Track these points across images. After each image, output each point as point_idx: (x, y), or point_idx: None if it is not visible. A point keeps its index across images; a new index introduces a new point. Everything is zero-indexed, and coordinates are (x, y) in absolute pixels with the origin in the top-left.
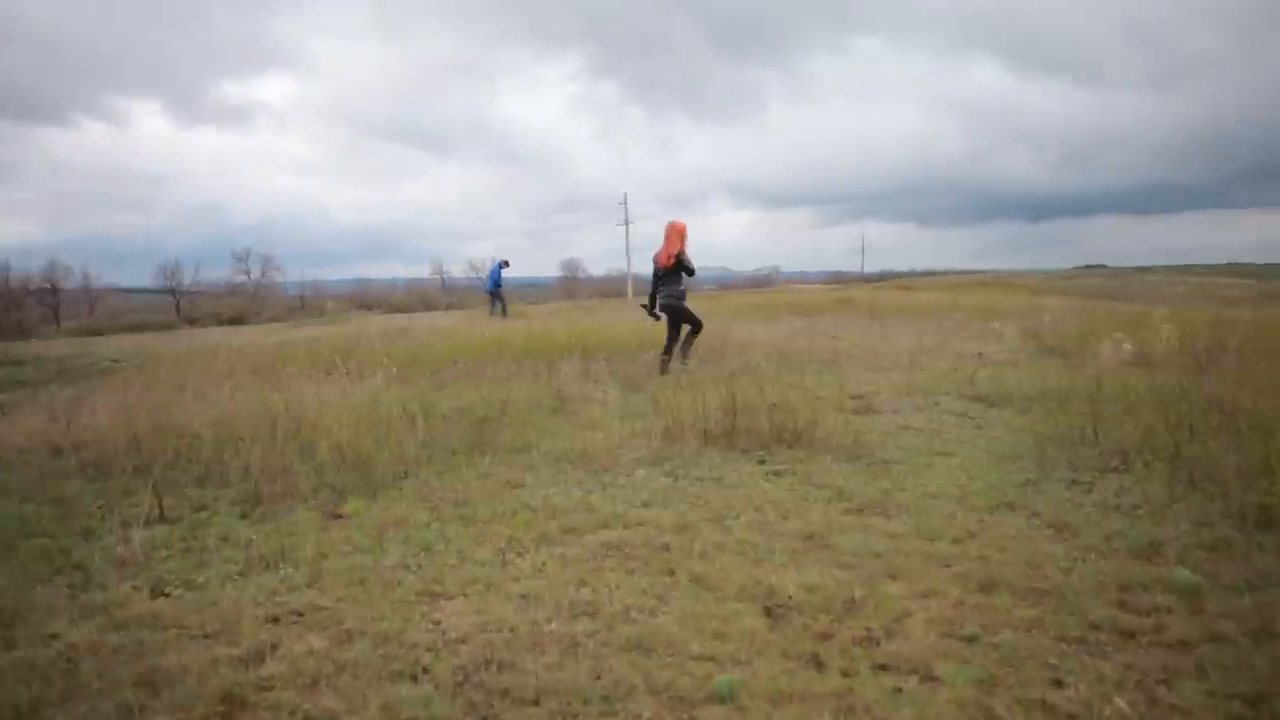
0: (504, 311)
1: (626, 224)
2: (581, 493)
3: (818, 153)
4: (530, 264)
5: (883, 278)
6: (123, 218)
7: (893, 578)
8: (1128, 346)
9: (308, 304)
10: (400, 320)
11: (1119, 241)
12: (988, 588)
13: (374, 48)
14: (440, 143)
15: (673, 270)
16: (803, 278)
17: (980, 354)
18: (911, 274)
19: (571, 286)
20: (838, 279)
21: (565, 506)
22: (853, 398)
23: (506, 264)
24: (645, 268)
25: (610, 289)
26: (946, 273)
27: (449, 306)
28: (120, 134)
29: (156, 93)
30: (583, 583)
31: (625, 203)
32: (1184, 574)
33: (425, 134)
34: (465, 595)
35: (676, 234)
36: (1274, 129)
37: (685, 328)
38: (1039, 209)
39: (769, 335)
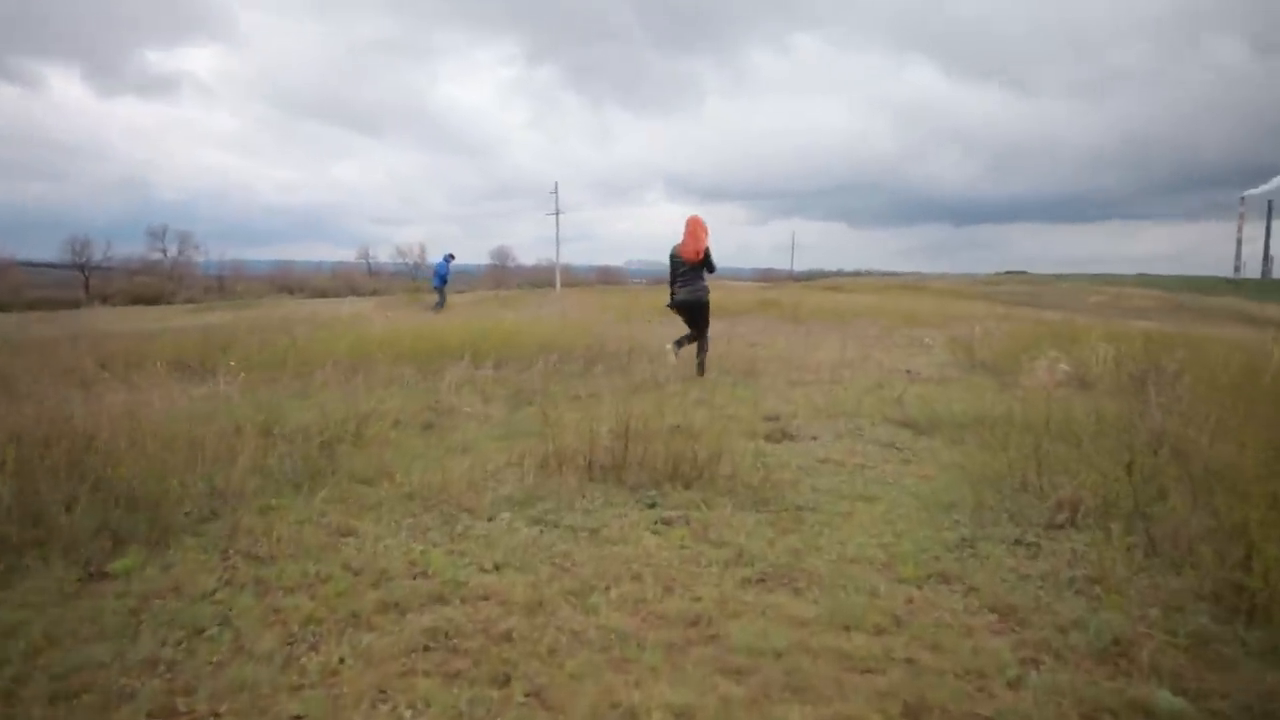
0: (441, 304)
1: (557, 213)
2: (423, 547)
3: (753, 148)
4: (461, 251)
5: (811, 276)
6: (32, 186)
7: (795, 693)
8: (1064, 367)
9: (227, 285)
10: (312, 306)
11: (1038, 248)
12: (915, 713)
13: (307, 23)
14: (372, 124)
15: (698, 265)
16: (733, 274)
17: (909, 371)
18: (839, 274)
19: (501, 275)
20: (767, 276)
21: (395, 569)
22: (767, 419)
23: (452, 257)
24: (575, 258)
25: (541, 278)
26: (872, 273)
27: (374, 292)
28: (33, 98)
29: (75, 58)
30: (382, 695)
31: (556, 192)
32: (1167, 699)
33: (357, 114)
34: (215, 717)
35: (701, 228)
36: (1183, 145)
37: (692, 333)
38: (964, 213)
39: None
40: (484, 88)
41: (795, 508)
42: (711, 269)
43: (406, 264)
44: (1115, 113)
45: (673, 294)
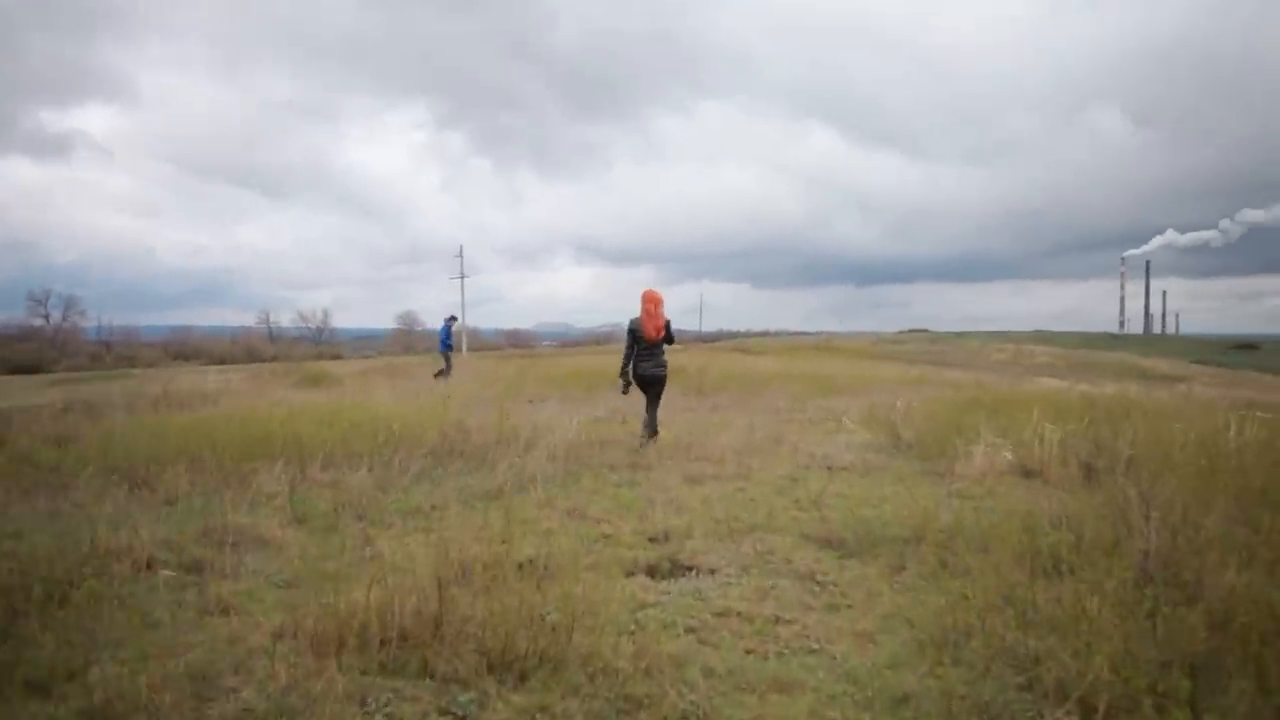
0: (447, 370)
1: (462, 277)
2: None
3: (662, 212)
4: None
5: (719, 337)
6: None
7: None
8: (1007, 455)
9: (116, 352)
10: (186, 377)
11: (938, 306)
12: None
13: (209, 83)
14: (278, 186)
15: (659, 341)
16: None
17: (829, 466)
18: (748, 334)
19: (408, 340)
20: (677, 338)
21: None
22: (653, 540)
23: (454, 319)
24: (478, 321)
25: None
26: (781, 334)
27: (274, 358)
28: None
29: None
30: None
31: (461, 255)
32: None
33: (263, 176)
34: None
35: (657, 303)
36: (1068, 209)
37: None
38: (868, 274)
39: (572, 419)
40: (394, 151)
41: (680, 716)
42: (670, 341)
43: (309, 329)
44: (1006, 179)
45: (634, 368)
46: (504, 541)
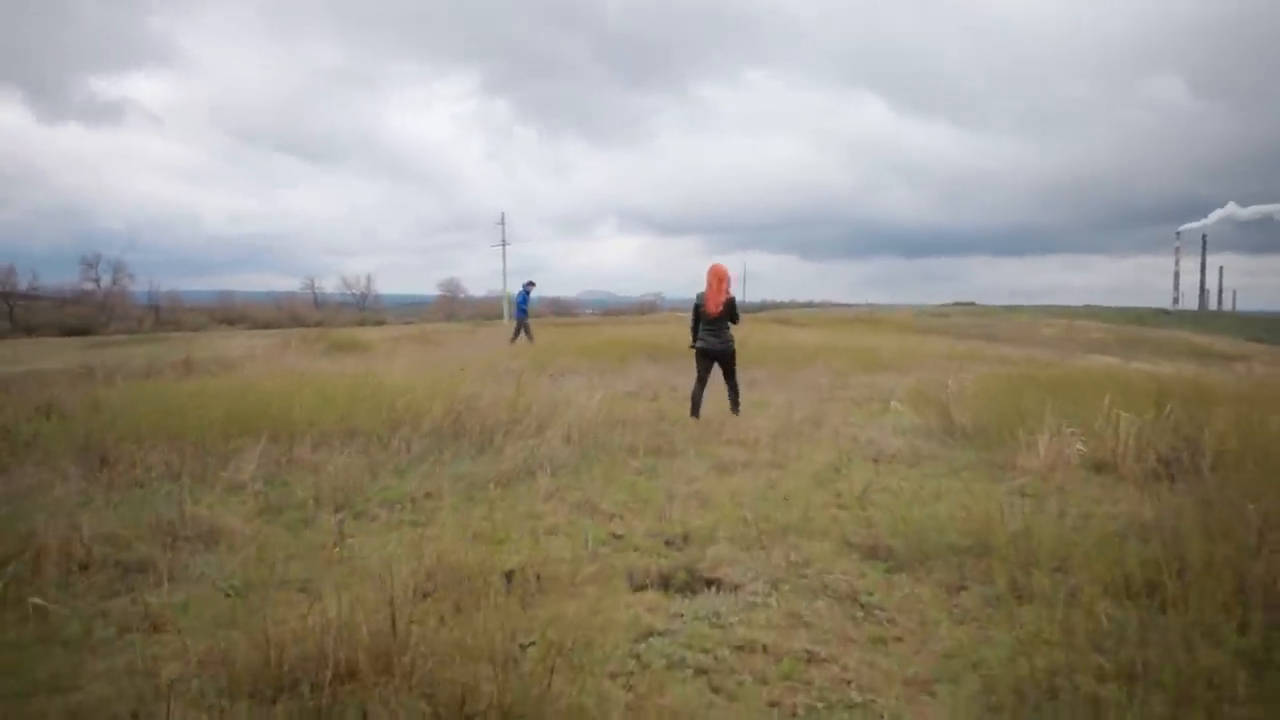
0: (528, 336)
1: (504, 245)
2: None
3: (708, 182)
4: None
5: (763, 307)
6: None
7: None
8: (1080, 446)
9: (163, 316)
10: (220, 342)
11: (987, 280)
12: None
13: (258, 51)
14: (325, 154)
15: (722, 316)
16: (688, 304)
17: (875, 455)
18: (792, 304)
19: (450, 307)
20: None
21: None
22: (668, 545)
23: (532, 284)
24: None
25: (491, 310)
26: (826, 305)
27: (319, 323)
28: None
29: (15, 83)
30: None
31: (503, 223)
32: None
33: (310, 143)
34: None
35: (724, 279)
36: (1124, 181)
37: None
38: (915, 246)
39: (601, 392)
40: (440, 119)
41: None
42: (735, 319)
43: (353, 295)
44: (1059, 149)
45: (698, 340)
46: (499, 541)
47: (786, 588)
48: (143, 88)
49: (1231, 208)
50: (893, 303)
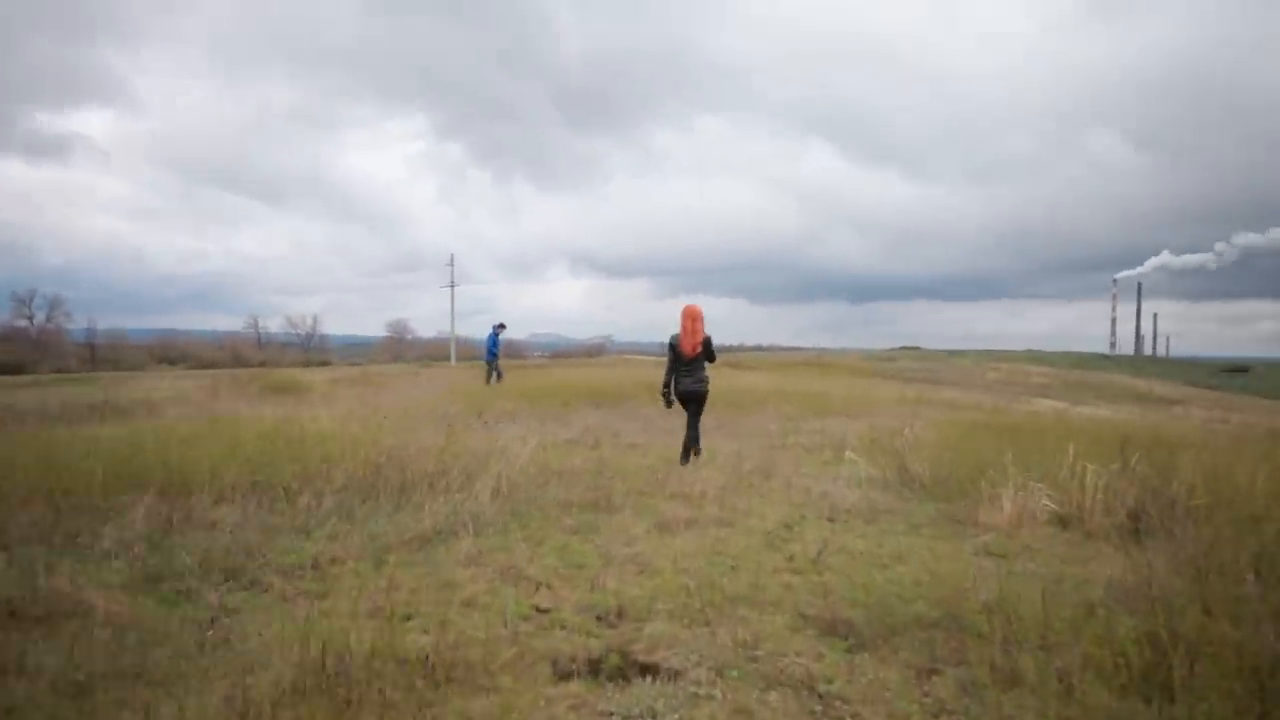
0: (498, 377)
1: (453, 286)
2: None
3: (658, 226)
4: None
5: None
6: None
7: None
8: (1046, 502)
9: (102, 354)
10: (145, 383)
11: (930, 324)
12: None
13: (208, 89)
14: (275, 193)
15: (698, 357)
16: (636, 347)
17: (829, 512)
18: (741, 348)
19: (397, 348)
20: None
21: None
22: (600, 620)
23: (502, 326)
24: (471, 331)
25: (439, 351)
26: (773, 348)
27: (262, 363)
28: None
29: None
30: None
31: (452, 264)
32: None
33: (260, 182)
34: None
35: (698, 319)
36: (1065, 229)
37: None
38: (862, 291)
39: (538, 440)
40: (392, 160)
41: None
42: (711, 358)
43: (298, 335)
44: (1002, 199)
45: (675, 384)
46: (406, 618)
47: (734, 675)
48: (89, 123)
49: (1166, 256)
50: (839, 346)
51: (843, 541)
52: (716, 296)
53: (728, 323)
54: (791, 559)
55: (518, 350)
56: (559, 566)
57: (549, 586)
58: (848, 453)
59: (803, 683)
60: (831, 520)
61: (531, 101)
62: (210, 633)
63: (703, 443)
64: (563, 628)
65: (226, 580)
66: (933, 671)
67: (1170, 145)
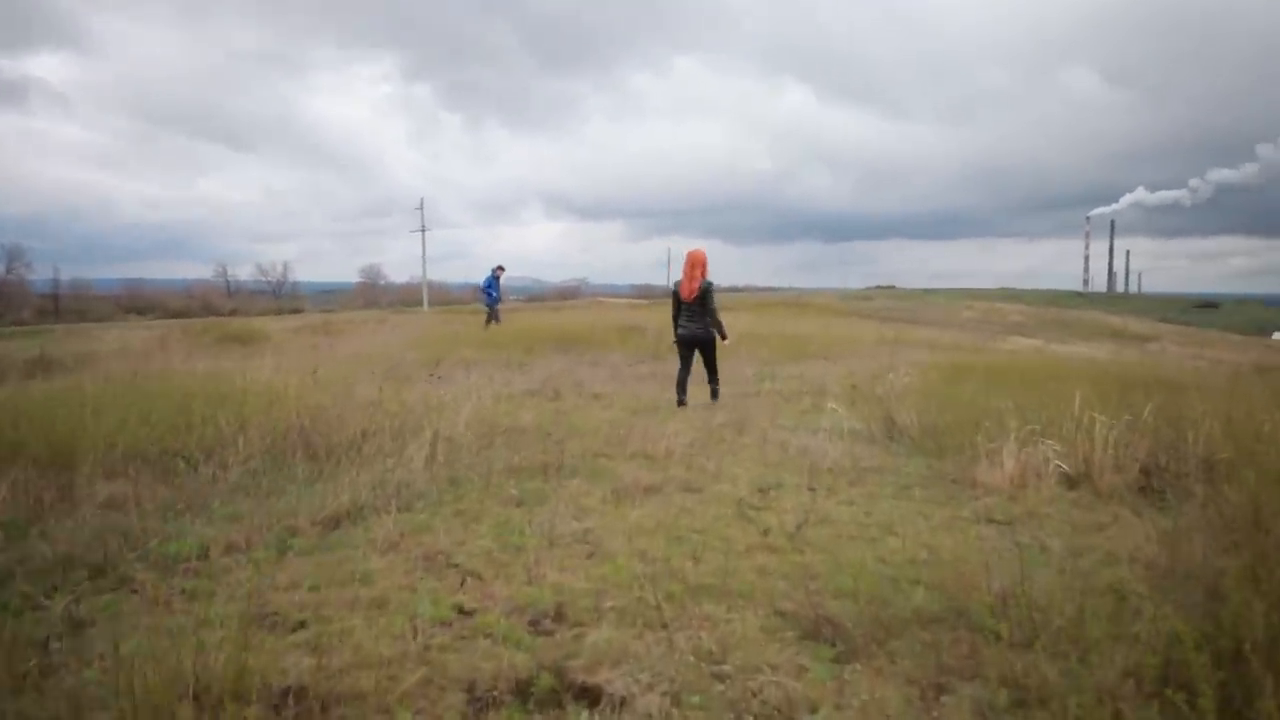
0: (496, 319)
1: (423, 230)
2: None
3: (632, 167)
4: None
5: None
6: None
7: None
8: (1055, 461)
9: (67, 305)
10: (108, 334)
11: (905, 263)
12: None
13: (170, 30)
14: (243, 137)
15: (697, 302)
16: (611, 290)
17: (809, 472)
18: (717, 289)
19: (371, 294)
20: (645, 292)
21: None
22: (534, 626)
23: (501, 269)
24: (444, 276)
25: (412, 297)
26: (747, 289)
27: (233, 312)
28: None
29: None
30: None
31: (421, 208)
32: None
33: (227, 127)
34: None
35: (699, 264)
36: (1038, 167)
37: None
38: (836, 230)
39: (492, 392)
40: (361, 103)
41: None
42: (710, 309)
43: (268, 283)
44: (977, 137)
45: (677, 328)
46: (295, 627)
47: (694, 701)
48: (46, 66)
49: (1141, 193)
50: (815, 286)
51: (825, 509)
52: (691, 238)
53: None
54: (767, 533)
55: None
56: (494, 549)
57: (479, 578)
58: (829, 404)
59: (780, 711)
60: (812, 489)
61: (504, 42)
62: (33, 662)
63: (667, 394)
64: (487, 636)
65: (91, 578)
66: (941, 689)
67: (1145, 81)
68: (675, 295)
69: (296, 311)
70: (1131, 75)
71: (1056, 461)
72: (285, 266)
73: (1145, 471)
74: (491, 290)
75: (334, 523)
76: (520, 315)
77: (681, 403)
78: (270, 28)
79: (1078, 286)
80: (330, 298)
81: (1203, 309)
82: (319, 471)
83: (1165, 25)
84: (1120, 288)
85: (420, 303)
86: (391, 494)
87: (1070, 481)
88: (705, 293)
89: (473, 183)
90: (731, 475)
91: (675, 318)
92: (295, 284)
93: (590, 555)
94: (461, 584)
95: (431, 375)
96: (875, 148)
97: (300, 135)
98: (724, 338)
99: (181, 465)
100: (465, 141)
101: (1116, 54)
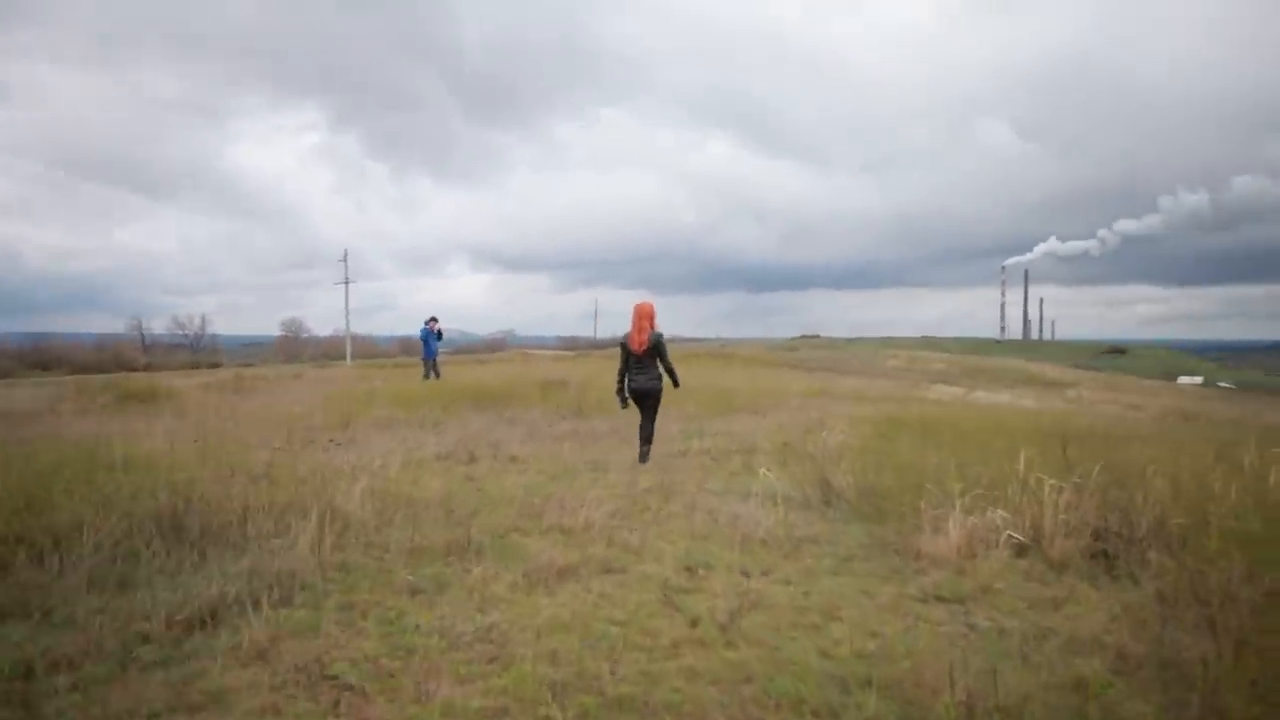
0: (436, 373)
1: (346, 282)
2: None
3: (559, 218)
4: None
5: (615, 342)
6: None
7: None
8: (1010, 532)
9: None
10: None
11: (829, 313)
12: None
13: (83, 77)
14: (159, 187)
15: (647, 354)
16: (538, 341)
17: (741, 547)
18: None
19: (292, 347)
20: (572, 344)
21: None
22: None
23: (434, 321)
24: (370, 329)
25: (335, 350)
26: (674, 339)
27: (148, 366)
28: None
29: None
30: None
31: (345, 260)
32: None
33: (142, 176)
34: None
35: (648, 317)
36: (955, 219)
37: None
38: (761, 280)
39: (413, 450)
40: (285, 152)
41: None
42: (663, 358)
43: (185, 336)
44: (897, 188)
45: (628, 382)
46: None
47: None
48: None
49: (1053, 243)
50: (740, 336)
51: (760, 590)
52: (618, 289)
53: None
54: (696, 624)
55: (418, 348)
56: (382, 654)
57: (360, 693)
58: (761, 470)
59: None
60: (746, 574)
61: (430, 92)
62: None
63: (590, 453)
64: None
65: None
66: None
67: (1055, 135)
68: (624, 348)
69: (215, 366)
70: (1043, 130)
71: (1009, 532)
72: (203, 319)
73: (1096, 536)
74: (430, 342)
75: (195, 624)
76: (444, 369)
77: (644, 456)
78: (191, 75)
79: (995, 334)
80: (251, 351)
81: (1112, 354)
82: (188, 559)
83: (1072, 82)
84: (1035, 335)
85: (344, 356)
86: (269, 585)
87: (1019, 549)
88: (656, 344)
89: (399, 233)
90: (656, 551)
91: (624, 371)
92: (214, 337)
93: (493, 659)
94: (336, 705)
95: (331, 442)
96: (799, 199)
97: (221, 185)
98: (676, 385)
99: (22, 556)
100: (391, 192)
101: (1029, 110)
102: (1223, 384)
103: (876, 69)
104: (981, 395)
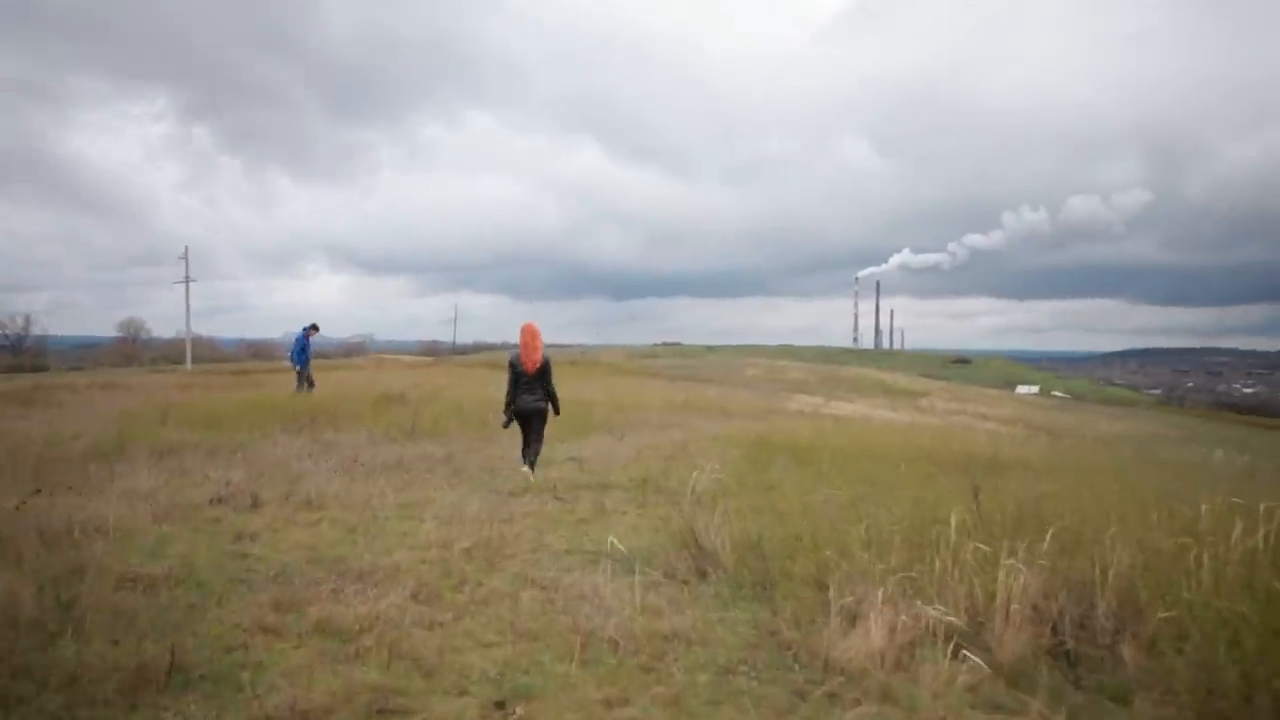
0: (309, 386)
1: (187, 281)
2: None
3: (423, 221)
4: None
5: (476, 349)
6: None
7: None
8: (963, 647)
9: None
10: None
11: (692, 320)
12: None
13: None
14: None
15: (538, 376)
16: (398, 347)
17: (580, 653)
18: (505, 346)
19: (130, 350)
20: (432, 349)
21: None
22: None
23: (314, 328)
24: (215, 331)
25: (177, 353)
26: None
27: None
28: None
29: None
30: None
31: (186, 256)
32: None
33: None
34: None
35: (536, 336)
36: (816, 229)
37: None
38: (625, 288)
39: (175, 495)
40: (130, 142)
41: None
42: (547, 380)
43: (5, 337)
44: (760, 199)
45: (515, 402)
46: None
47: None
48: None
49: (907, 254)
50: (601, 343)
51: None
52: (480, 293)
53: (490, 320)
54: None
55: (268, 352)
56: None
57: None
58: (610, 539)
59: None
60: (608, 626)
61: (290, 86)
62: None
63: (410, 494)
64: None
65: None
66: None
67: (910, 151)
68: (514, 368)
69: (39, 370)
70: (899, 146)
71: (964, 646)
72: (27, 319)
73: (1055, 628)
74: (300, 353)
75: None
76: (280, 378)
77: (530, 464)
78: (24, 53)
79: (848, 343)
80: (84, 354)
81: (957, 364)
82: None
83: (926, 103)
84: (886, 344)
85: (184, 360)
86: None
87: (954, 648)
88: (547, 366)
89: (252, 232)
90: (458, 670)
91: (513, 391)
92: (42, 338)
93: None
94: None
95: (30, 498)
96: (663, 207)
97: (56, 174)
98: (558, 413)
99: None
100: (246, 188)
101: (885, 126)
102: (1056, 393)
103: (741, 80)
104: (842, 406)
